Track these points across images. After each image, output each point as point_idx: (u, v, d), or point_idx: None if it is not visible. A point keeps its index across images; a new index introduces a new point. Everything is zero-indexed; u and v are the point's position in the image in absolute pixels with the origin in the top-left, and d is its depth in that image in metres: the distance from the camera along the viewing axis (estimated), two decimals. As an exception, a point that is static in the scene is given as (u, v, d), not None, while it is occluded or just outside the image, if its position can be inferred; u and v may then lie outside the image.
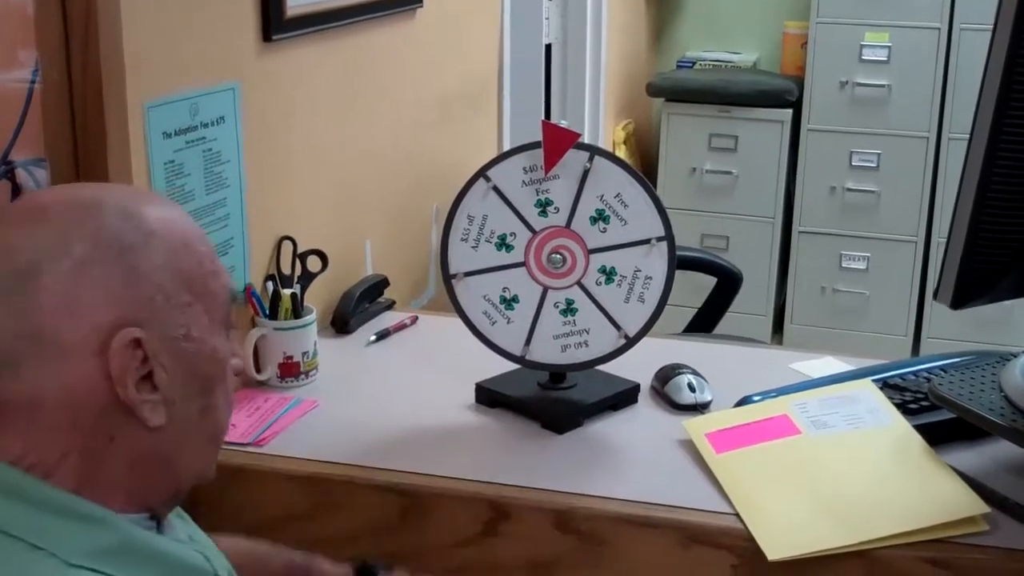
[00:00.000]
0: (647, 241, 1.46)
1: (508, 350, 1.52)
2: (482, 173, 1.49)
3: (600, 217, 1.47)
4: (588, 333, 1.49)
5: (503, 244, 1.50)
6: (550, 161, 1.47)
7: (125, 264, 0.82)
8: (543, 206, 1.48)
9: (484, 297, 1.51)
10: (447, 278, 1.52)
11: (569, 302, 1.49)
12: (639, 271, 1.46)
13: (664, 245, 1.46)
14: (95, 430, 0.82)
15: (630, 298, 1.47)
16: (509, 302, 1.50)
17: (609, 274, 1.47)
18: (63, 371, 0.80)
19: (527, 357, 1.51)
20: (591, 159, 1.46)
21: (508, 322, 1.51)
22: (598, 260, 1.48)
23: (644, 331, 1.48)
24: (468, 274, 1.51)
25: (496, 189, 1.49)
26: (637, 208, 1.45)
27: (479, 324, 1.52)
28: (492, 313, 1.51)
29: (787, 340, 3.74)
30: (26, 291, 0.80)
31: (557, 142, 1.47)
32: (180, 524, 0.94)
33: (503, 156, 1.50)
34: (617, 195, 1.46)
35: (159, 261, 0.84)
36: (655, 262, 1.46)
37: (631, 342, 1.48)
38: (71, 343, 0.80)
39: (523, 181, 1.48)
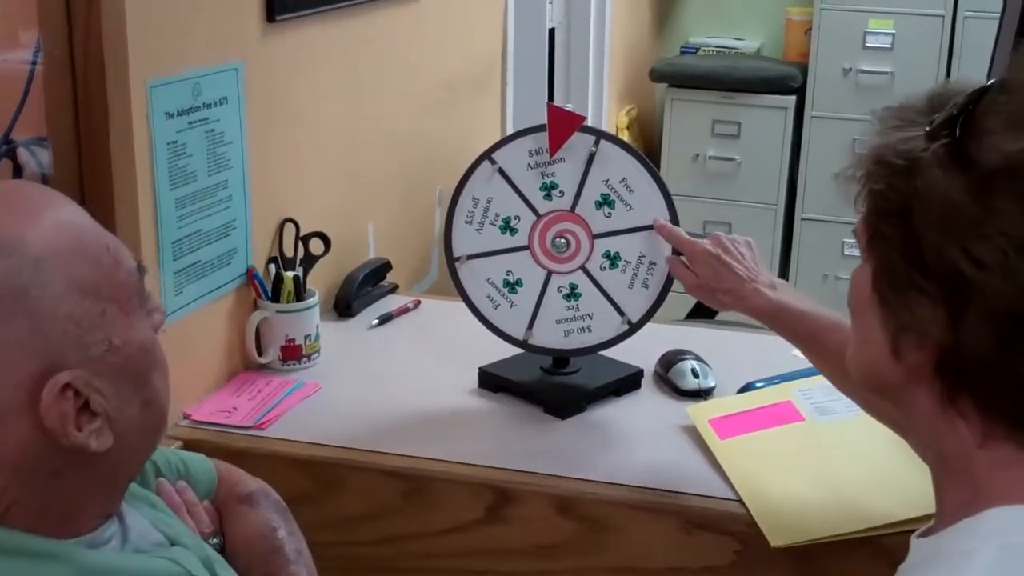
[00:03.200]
0: (652, 227, 1.45)
1: (510, 334, 1.51)
2: (487, 155, 1.49)
3: (605, 202, 1.46)
4: (591, 318, 1.48)
5: (507, 227, 1.49)
6: (555, 144, 1.46)
7: (25, 311, 0.76)
8: (548, 189, 1.47)
9: (487, 280, 1.50)
10: (450, 261, 1.51)
11: (573, 287, 1.48)
12: (643, 256, 1.46)
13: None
14: (39, 474, 0.79)
15: (634, 283, 1.46)
16: (512, 285, 1.49)
17: (613, 259, 1.46)
18: None
19: (529, 341, 1.51)
20: (597, 143, 1.45)
21: (511, 305, 1.50)
22: (603, 245, 1.47)
23: (647, 317, 1.47)
24: (471, 257, 1.50)
25: (501, 172, 1.48)
26: (643, 193, 1.45)
27: (482, 307, 1.51)
28: (495, 296, 1.50)
29: (788, 327, 3.73)
30: None
31: (562, 125, 1.46)
32: (148, 516, 0.93)
33: (508, 139, 1.49)
34: (623, 180, 1.45)
35: (59, 289, 0.78)
36: (660, 248, 1.45)
37: (634, 328, 1.48)
38: None
39: (528, 164, 1.47)
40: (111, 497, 0.86)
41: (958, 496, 0.84)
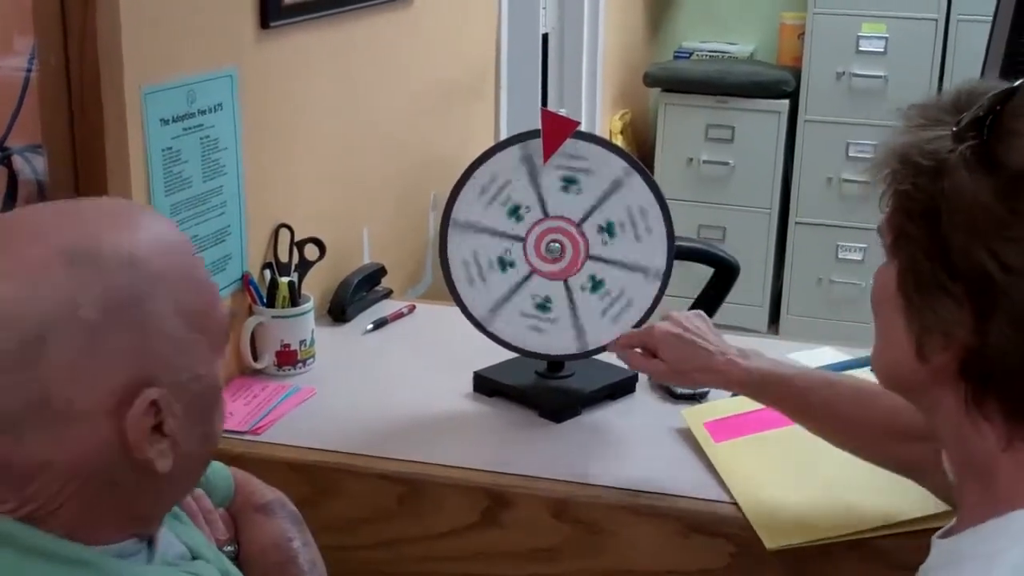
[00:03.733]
0: (618, 181, 1.45)
1: (472, 312, 1.51)
2: (447, 220, 1.49)
3: (607, 229, 1.46)
4: (626, 294, 1.47)
5: (515, 213, 1.49)
6: (549, 149, 1.46)
7: (137, 322, 0.79)
8: (515, 212, 1.47)
9: (473, 253, 1.50)
10: (480, 326, 1.51)
11: (547, 299, 1.49)
12: (630, 207, 1.46)
13: (635, 175, 1.45)
14: (98, 480, 0.80)
15: (639, 234, 1.46)
16: (543, 305, 1.50)
17: (609, 229, 1.46)
18: (75, 437, 0.78)
19: (488, 327, 1.51)
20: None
21: (484, 283, 1.50)
22: (591, 224, 1.47)
23: (670, 259, 1.47)
24: (468, 225, 1.50)
25: (468, 224, 1.49)
26: (652, 236, 1.45)
27: (456, 276, 1.51)
28: (472, 272, 1.50)
29: (783, 331, 3.74)
30: (33, 363, 0.76)
31: (556, 130, 1.46)
32: (174, 529, 0.93)
33: (454, 194, 1.49)
34: (642, 210, 1.45)
35: (168, 308, 0.81)
36: (639, 193, 1.45)
37: (665, 275, 1.47)
38: (84, 410, 0.78)
39: (486, 203, 1.48)
40: (151, 519, 0.87)
41: (982, 498, 0.84)
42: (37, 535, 0.79)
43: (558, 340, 1.50)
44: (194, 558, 0.92)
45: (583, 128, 1.50)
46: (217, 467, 1.08)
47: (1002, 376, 0.80)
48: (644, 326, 1.39)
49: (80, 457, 0.79)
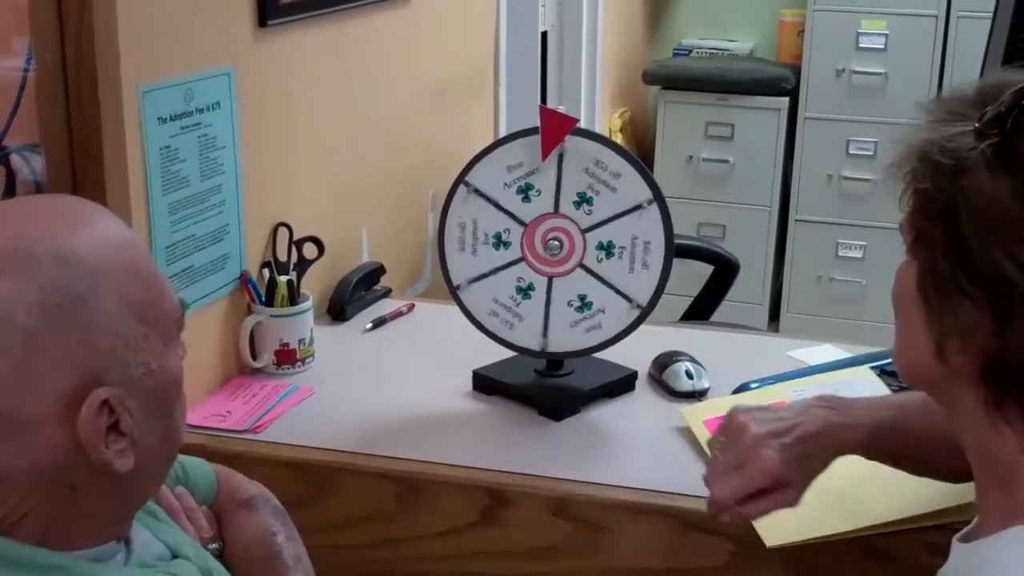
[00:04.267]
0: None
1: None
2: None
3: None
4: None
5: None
6: (548, 147, 1.46)
7: (78, 321, 0.77)
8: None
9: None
10: (453, 290, 1.51)
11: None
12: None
13: (655, 207, 1.44)
14: (58, 486, 0.79)
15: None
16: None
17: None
18: (29, 446, 0.77)
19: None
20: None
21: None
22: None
23: (656, 298, 1.46)
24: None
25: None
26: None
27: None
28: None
29: (783, 329, 3.74)
30: None
31: (556, 127, 1.46)
32: (152, 528, 0.93)
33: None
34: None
35: (111, 304, 0.79)
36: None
37: (645, 311, 1.47)
38: (33, 418, 0.77)
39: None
40: (120, 520, 0.87)
41: (1003, 503, 0.83)
42: (6, 544, 0.78)
43: (614, 321, 1.47)
44: (174, 557, 0.91)
45: (584, 125, 1.50)
46: (199, 464, 1.08)
47: (1022, 381, 0.78)
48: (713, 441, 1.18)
49: (37, 465, 0.78)
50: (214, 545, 1.03)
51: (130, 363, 0.80)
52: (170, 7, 1.39)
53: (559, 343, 1.50)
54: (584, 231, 1.47)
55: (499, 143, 1.48)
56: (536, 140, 1.46)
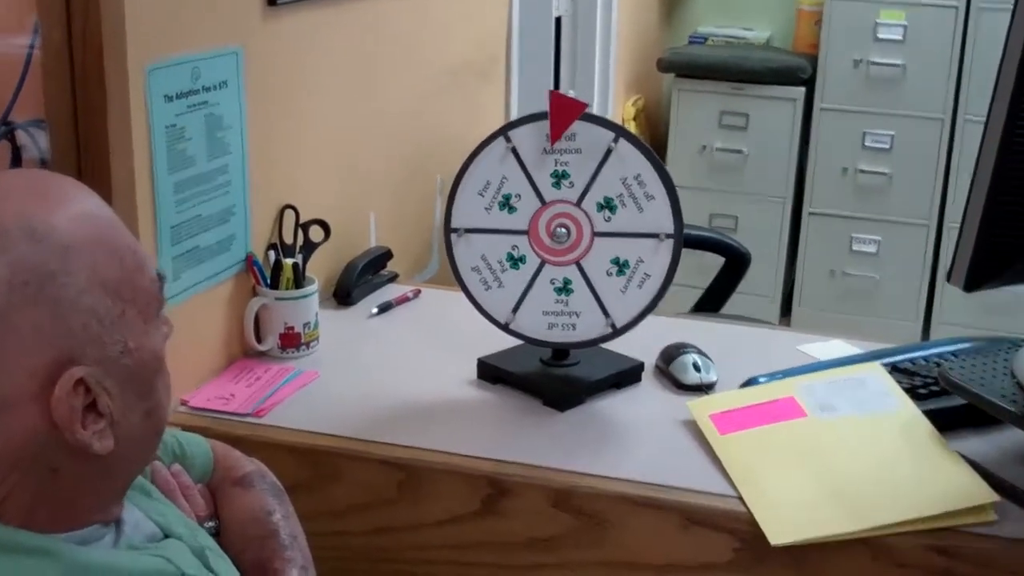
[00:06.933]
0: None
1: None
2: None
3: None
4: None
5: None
6: (556, 131, 1.44)
7: (48, 298, 0.76)
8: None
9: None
10: (448, 232, 1.49)
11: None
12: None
13: (670, 243, 1.44)
14: (37, 468, 0.78)
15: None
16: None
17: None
18: (3, 427, 0.76)
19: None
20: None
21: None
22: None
23: (632, 324, 1.47)
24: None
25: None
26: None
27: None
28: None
29: (795, 323, 3.71)
30: None
31: (565, 111, 1.44)
32: (143, 506, 0.91)
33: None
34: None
35: (83, 281, 0.77)
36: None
37: (616, 332, 1.47)
38: (6, 398, 0.75)
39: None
40: (107, 501, 0.85)
41: None
42: None
43: (587, 328, 1.47)
44: (166, 536, 0.90)
45: (596, 111, 1.48)
46: (195, 441, 1.07)
47: None
48: None
49: (14, 446, 0.77)
50: (210, 523, 1.01)
51: (106, 341, 0.78)
52: (178, -16, 1.38)
53: (524, 325, 1.49)
54: (596, 234, 1.45)
55: (457, 180, 1.47)
56: (485, 148, 1.46)
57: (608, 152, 1.43)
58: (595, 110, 3.37)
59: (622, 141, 1.43)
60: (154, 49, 1.33)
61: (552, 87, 3.20)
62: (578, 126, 1.44)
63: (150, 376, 0.83)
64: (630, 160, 1.43)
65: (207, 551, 0.92)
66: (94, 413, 0.78)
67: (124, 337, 0.80)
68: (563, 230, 1.46)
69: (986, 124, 1.22)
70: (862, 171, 3.62)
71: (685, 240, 1.46)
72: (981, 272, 1.37)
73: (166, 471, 1.00)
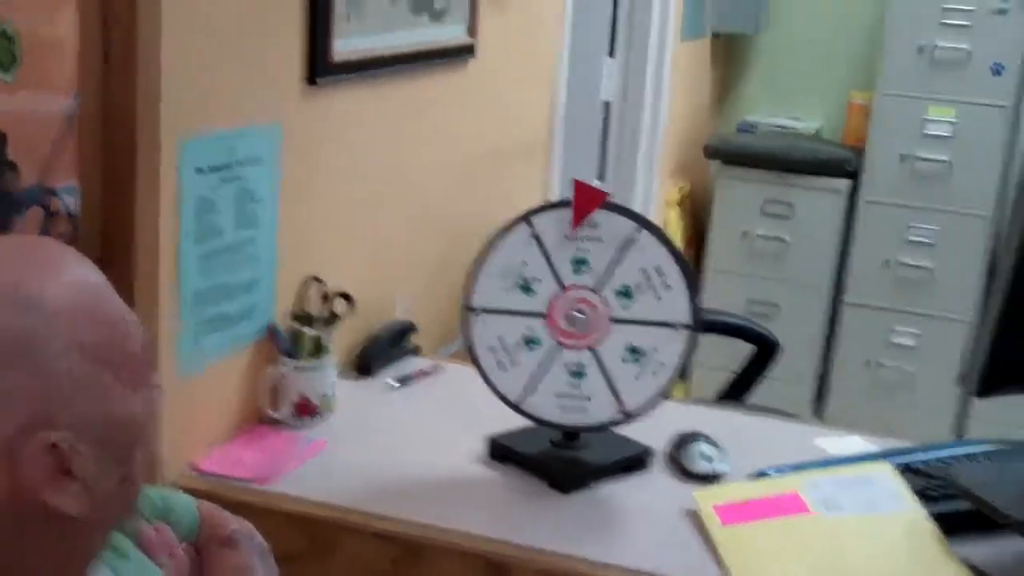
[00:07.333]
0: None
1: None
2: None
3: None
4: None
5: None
6: (578, 217, 1.47)
7: (28, 364, 0.76)
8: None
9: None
10: (466, 310, 1.52)
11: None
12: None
13: (685, 334, 1.46)
14: (9, 530, 0.78)
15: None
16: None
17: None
18: None
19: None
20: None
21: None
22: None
23: (643, 410, 1.48)
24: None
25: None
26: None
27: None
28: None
29: (827, 414, 3.67)
30: None
31: (587, 200, 1.48)
32: (120, 568, 0.92)
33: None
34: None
35: (64, 345, 0.78)
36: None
37: (627, 418, 1.48)
38: None
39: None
40: (79, 565, 0.85)
41: None
42: None
43: (598, 412, 1.49)
44: None
45: (639, 199, 1.51)
46: (183, 500, 1.08)
47: None
48: None
49: None
50: None
51: (84, 407, 0.79)
52: (217, 61, 1.43)
53: (536, 405, 1.50)
54: (613, 320, 1.47)
55: (479, 262, 1.51)
56: (509, 233, 1.49)
57: (630, 242, 1.46)
58: (638, 195, 3.40)
59: (644, 232, 1.46)
60: (189, 122, 1.39)
61: (596, 171, 3.24)
62: (601, 215, 1.47)
63: (128, 442, 0.84)
64: (650, 251, 1.46)
65: None
66: (68, 476, 0.79)
67: (105, 402, 0.81)
68: (580, 315, 1.48)
69: (1009, 225, 1.23)
70: (904, 264, 3.60)
71: (714, 326, 1.48)
72: (994, 379, 1.36)
73: (150, 530, 1.02)
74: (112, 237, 1.33)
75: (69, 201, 1.33)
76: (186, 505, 1.07)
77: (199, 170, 1.43)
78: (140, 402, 0.84)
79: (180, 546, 1.03)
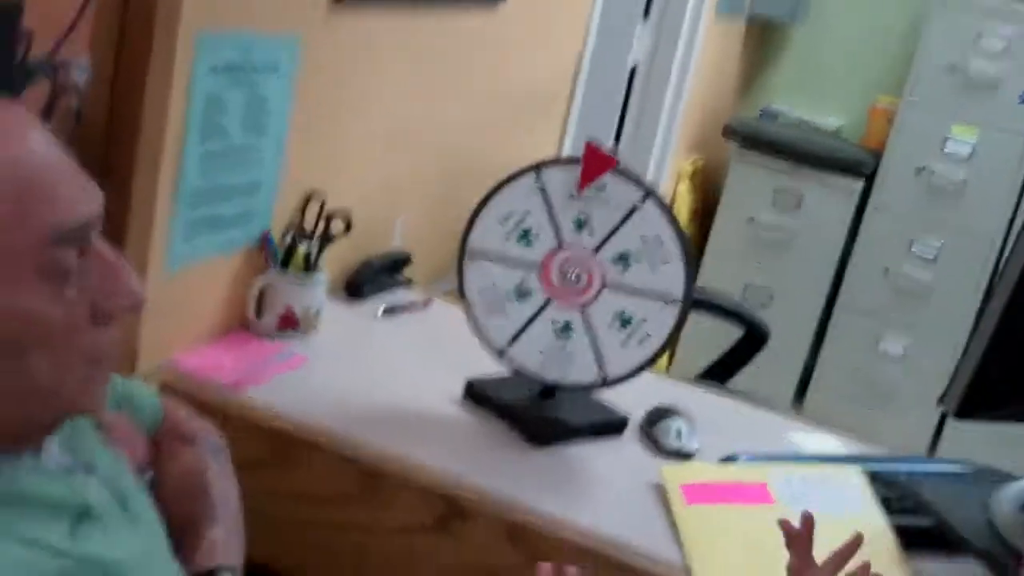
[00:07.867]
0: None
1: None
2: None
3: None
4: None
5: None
6: (584, 180, 1.46)
7: None
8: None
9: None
10: (463, 251, 1.50)
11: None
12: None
13: (676, 308, 1.44)
14: None
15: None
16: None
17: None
18: None
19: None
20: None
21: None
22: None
23: (623, 379, 1.47)
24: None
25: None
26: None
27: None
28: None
29: (807, 408, 3.68)
30: None
31: (595, 164, 1.46)
32: (76, 445, 0.89)
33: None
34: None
35: None
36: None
37: (607, 383, 1.48)
38: None
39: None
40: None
41: None
42: None
43: (578, 373, 1.48)
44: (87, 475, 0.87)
45: (651, 168, 1.49)
46: (146, 392, 1.07)
47: None
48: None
49: None
50: (148, 475, 1.02)
51: None
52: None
53: (519, 356, 1.50)
54: (606, 285, 1.46)
55: (482, 205, 1.50)
56: (516, 180, 1.47)
57: (633, 209, 1.44)
58: (652, 163, 3.38)
59: (649, 202, 1.44)
60: (210, 18, 1.36)
61: (614, 134, 3.21)
62: (609, 178, 1.45)
63: (15, 336, 0.76)
64: (653, 222, 1.44)
65: (129, 497, 0.90)
66: None
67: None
68: (578, 274, 1.47)
69: (1011, 252, 1.22)
70: (904, 274, 3.59)
71: (707, 305, 1.46)
72: (973, 403, 1.35)
73: (110, 416, 1.00)
74: (118, 120, 1.31)
75: (80, 77, 1.31)
76: (148, 398, 1.06)
77: (213, 68, 1.40)
78: (45, 299, 0.77)
79: (139, 436, 1.03)
